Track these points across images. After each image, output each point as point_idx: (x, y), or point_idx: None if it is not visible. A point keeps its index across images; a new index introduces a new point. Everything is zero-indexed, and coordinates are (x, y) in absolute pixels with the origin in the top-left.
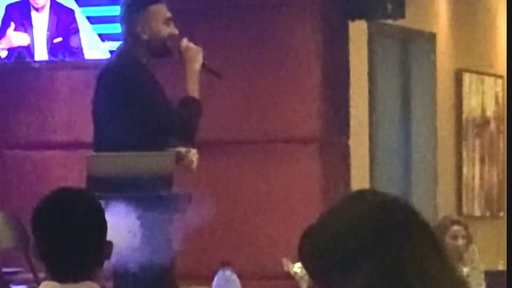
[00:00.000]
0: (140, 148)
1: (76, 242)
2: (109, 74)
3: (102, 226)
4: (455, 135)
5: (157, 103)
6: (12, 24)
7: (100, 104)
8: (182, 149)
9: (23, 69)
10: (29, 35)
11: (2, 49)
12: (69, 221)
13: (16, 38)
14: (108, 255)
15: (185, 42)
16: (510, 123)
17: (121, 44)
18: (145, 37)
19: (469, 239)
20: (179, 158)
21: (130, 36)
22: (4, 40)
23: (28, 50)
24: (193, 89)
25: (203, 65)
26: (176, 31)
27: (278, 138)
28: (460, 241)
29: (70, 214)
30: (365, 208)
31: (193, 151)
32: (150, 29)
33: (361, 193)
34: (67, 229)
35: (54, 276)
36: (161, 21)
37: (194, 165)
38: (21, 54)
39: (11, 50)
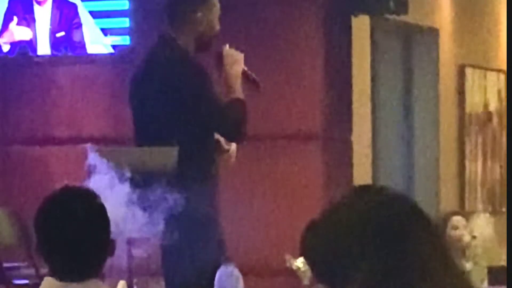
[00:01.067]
0: (189, 144)
1: (79, 241)
2: (160, 67)
3: (105, 224)
4: (457, 131)
5: (211, 99)
6: (15, 18)
7: (149, 97)
8: (227, 145)
9: (25, 63)
10: (31, 29)
11: (5, 43)
12: (72, 220)
13: (18, 32)
14: (111, 253)
15: (227, 47)
16: (511, 118)
17: (162, 34)
18: (201, 28)
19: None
20: (221, 151)
21: (182, 25)
22: (6, 34)
23: (31, 44)
24: (239, 91)
25: (243, 72)
26: (217, 30)
27: (281, 134)
28: (463, 231)
29: (73, 213)
30: (368, 203)
31: (234, 146)
32: (207, 22)
33: (364, 188)
34: (70, 228)
35: (57, 275)
36: (217, 16)
37: (232, 160)
38: (24, 48)
39: (13, 44)
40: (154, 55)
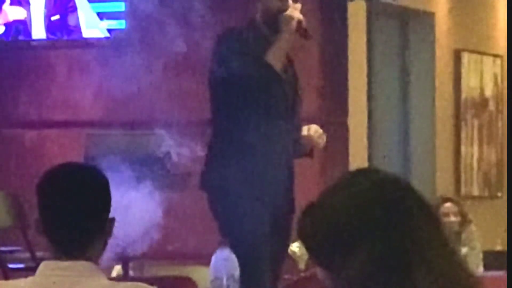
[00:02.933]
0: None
1: (78, 212)
2: (224, 48)
3: (106, 200)
4: (453, 115)
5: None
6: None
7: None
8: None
9: (20, 47)
10: (26, 11)
11: None
12: (73, 189)
13: (12, 12)
14: (110, 231)
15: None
16: (510, 103)
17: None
18: (259, 6)
19: (464, 218)
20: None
21: (257, 11)
22: (0, 15)
23: (26, 27)
24: (272, 55)
25: (297, 27)
26: (292, 11)
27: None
28: (453, 218)
29: (75, 184)
30: (365, 187)
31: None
32: (265, 3)
33: (360, 171)
34: (71, 197)
35: (55, 248)
36: None
37: (322, 142)
38: (17, 32)
39: (8, 26)
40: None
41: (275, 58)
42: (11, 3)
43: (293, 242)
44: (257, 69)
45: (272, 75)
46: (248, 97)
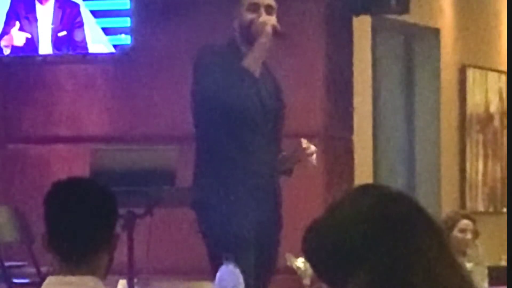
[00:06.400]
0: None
1: (84, 228)
2: (204, 61)
3: (112, 215)
4: (458, 131)
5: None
6: (17, 24)
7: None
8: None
9: (27, 62)
10: (33, 28)
11: (6, 46)
12: (79, 204)
13: (18, 37)
14: (114, 247)
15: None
16: (511, 119)
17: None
18: (235, 24)
19: (476, 235)
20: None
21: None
22: (7, 38)
23: (33, 43)
24: (250, 60)
25: (274, 30)
26: (264, 17)
27: (282, 133)
28: (469, 235)
29: (81, 198)
30: (369, 202)
31: (305, 144)
32: (237, 15)
33: (365, 187)
34: (76, 212)
35: (61, 263)
36: (244, 7)
37: (314, 158)
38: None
39: (14, 47)
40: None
41: (251, 63)
42: (20, 29)
43: (298, 257)
44: (234, 73)
45: (248, 78)
46: (227, 108)
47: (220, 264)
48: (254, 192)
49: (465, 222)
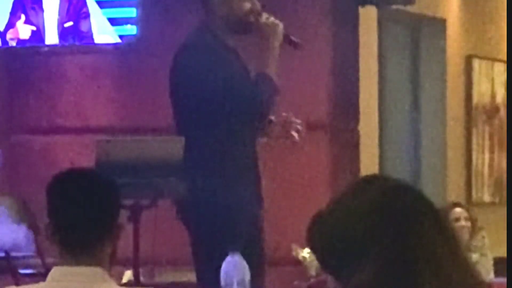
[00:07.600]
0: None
1: (87, 217)
2: (187, 55)
3: (115, 206)
4: (464, 122)
5: (242, 86)
6: (23, 17)
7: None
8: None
9: (32, 53)
10: (39, 19)
11: (11, 39)
12: (82, 194)
13: (24, 30)
14: (118, 237)
15: (264, 17)
16: (510, 109)
17: (199, 22)
18: (222, 12)
19: (474, 224)
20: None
21: (208, 12)
22: (12, 31)
23: (39, 33)
24: (271, 67)
25: (284, 37)
26: (257, 6)
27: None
28: (463, 222)
29: (84, 188)
30: (375, 194)
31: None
32: (228, 4)
33: (370, 178)
34: (79, 202)
35: (65, 253)
36: None
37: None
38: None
39: (20, 40)
40: (185, 43)
41: (272, 69)
42: (26, 21)
43: (303, 248)
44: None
45: (248, 78)
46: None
47: (216, 255)
48: (245, 180)
49: (457, 211)
